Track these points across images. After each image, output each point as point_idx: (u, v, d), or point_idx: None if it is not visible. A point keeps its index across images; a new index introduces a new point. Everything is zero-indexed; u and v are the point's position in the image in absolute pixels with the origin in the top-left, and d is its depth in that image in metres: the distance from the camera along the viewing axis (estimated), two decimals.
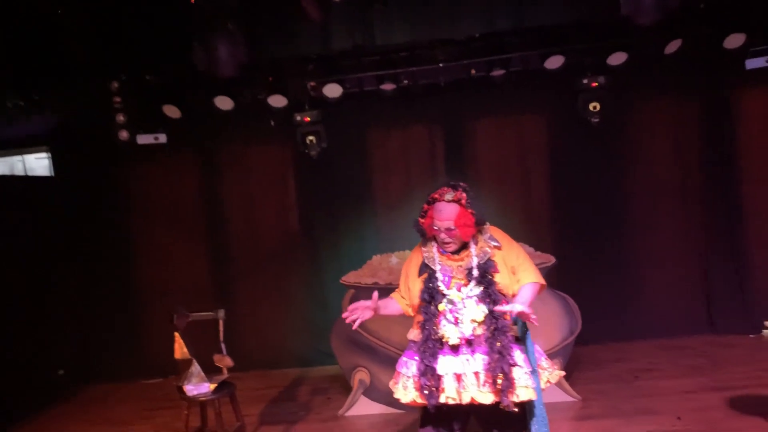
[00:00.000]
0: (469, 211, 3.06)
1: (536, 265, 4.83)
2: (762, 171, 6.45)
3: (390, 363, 4.91)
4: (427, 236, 3.17)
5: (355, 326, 3.11)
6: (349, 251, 6.49)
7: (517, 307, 2.91)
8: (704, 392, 4.98)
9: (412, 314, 3.28)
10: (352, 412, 5.18)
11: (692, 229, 6.56)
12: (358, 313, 3.06)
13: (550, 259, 5.23)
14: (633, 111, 6.48)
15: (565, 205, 6.54)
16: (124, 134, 6.10)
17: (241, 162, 6.79)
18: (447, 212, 3.05)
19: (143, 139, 6.24)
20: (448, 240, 3.09)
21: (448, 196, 3.07)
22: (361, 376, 5.11)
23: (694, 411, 4.62)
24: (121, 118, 6.07)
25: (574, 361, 5.57)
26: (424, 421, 3.26)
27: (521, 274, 3.17)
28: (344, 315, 3.11)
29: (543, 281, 3.20)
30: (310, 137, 6.18)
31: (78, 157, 6.71)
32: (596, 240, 6.50)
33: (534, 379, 3.07)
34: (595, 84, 5.95)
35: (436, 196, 3.10)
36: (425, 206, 3.13)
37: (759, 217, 6.48)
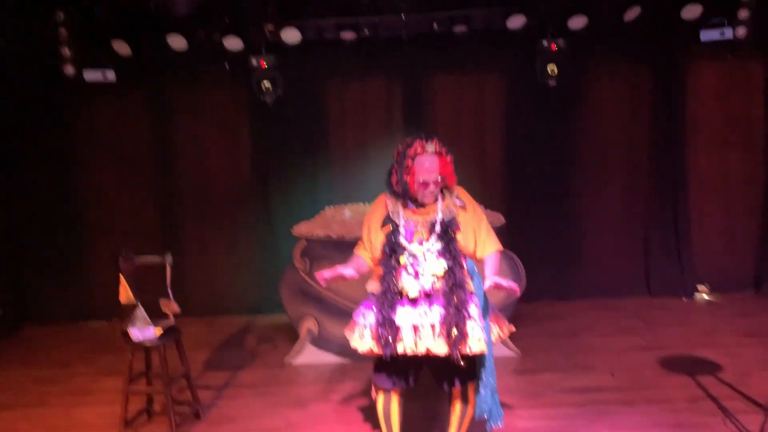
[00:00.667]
0: (449, 158, 3.14)
1: None
2: (708, 142, 6.66)
3: (339, 314, 5.00)
4: (410, 192, 3.14)
5: (324, 284, 3.11)
6: (301, 201, 6.43)
7: (496, 279, 3.02)
8: (637, 351, 5.20)
9: (373, 266, 3.30)
10: (298, 361, 5.24)
11: (637, 195, 6.75)
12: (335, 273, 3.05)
13: (500, 219, 5.31)
14: (589, 76, 6.56)
15: (517, 165, 6.62)
16: (69, 69, 5.83)
17: (193, 105, 6.59)
18: (431, 164, 3.10)
19: (90, 76, 5.96)
20: (430, 191, 3.12)
21: (430, 148, 3.11)
22: (309, 325, 5.15)
23: (626, 368, 4.83)
24: (66, 51, 5.78)
25: (516, 318, 5.72)
26: (378, 368, 3.33)
27: (485, 242, 3.24)
28: (324, 276, 3.04)
29: (501, 247, 3.29)
30: (266, 83, 6.02)
31: (19, 90, 6.37)
32: (544, 201, 6.62)
33: (486, 332, 3.16)
34: (554, 47, 5.97)
35: (419, 150, 3.11)
36: (407, 162, 3.10)
37: (701, 186, 6.72)
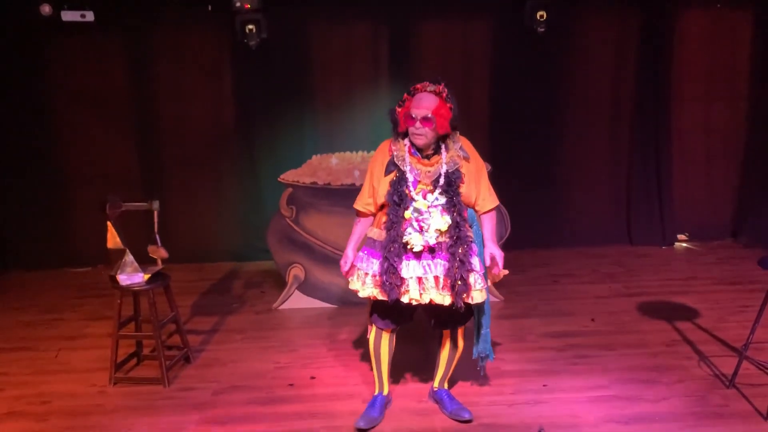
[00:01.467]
0: (448, 104, 3.08)
1: None
2: (692, 92, 6.69)
3: (326, 261, 5.05)
4: (399, 128, 3.15)
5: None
6: (286, 149, 6.38)
7: (495, 252, 3.24)
8: (617, 297, 5.34)
9: (374, 212, 3.32)
10: (285, 306, 5.30)
11: (620, 144, 6.81)
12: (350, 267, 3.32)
13: (488, 167, 5.32)
14: (577, 23, 6.50)
15: (504, 112, 6.59)
16: (46, 9, 5.66)
17: (175, 47, 6.41)
18: (426, 101, 3.07)
19: (68, 16, 5.78)
20: (421, 132, 3.07)
21: (430, 88, 3.10)
22: (296, 272, 5.20)
23: (606, 314, 4.96)
24: None
25: None
26: (374, 310, 3.39)
27: (485, 197, 3.29)
28: (344, 268, 3.33)
29: (498, 202, 3.36)
30: (250, 26, 5.89)
31: None
32: (530, 149, 6.65)
33: (485, 279, 3.23)
34: None
35: (418, 86, 3.11)
36: (405, 96, 3.13)
37: (683, 137, 6.78)
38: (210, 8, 5.98)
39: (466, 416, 3.44)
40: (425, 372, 3.86)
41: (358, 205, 3.38)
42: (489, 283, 3.45)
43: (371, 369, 3.58)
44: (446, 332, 3.45)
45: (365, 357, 4.07)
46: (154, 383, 3.96)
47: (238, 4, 5.81)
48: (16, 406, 3.75)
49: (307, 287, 5.24)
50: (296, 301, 5.29)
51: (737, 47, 6.60)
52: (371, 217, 3.37)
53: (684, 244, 6.86)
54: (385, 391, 3.57)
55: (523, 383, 3.86)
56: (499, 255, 3.26)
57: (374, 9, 6.36)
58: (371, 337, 3.45)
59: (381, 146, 3.32)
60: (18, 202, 6.52)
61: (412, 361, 4.05)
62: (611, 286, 5.62)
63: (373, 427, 3.40)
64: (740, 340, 3.96)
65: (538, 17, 5.96)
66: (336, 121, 6.38)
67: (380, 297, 3.17)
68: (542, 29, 6.02)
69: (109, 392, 3.91)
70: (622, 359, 4.15)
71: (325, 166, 5.29)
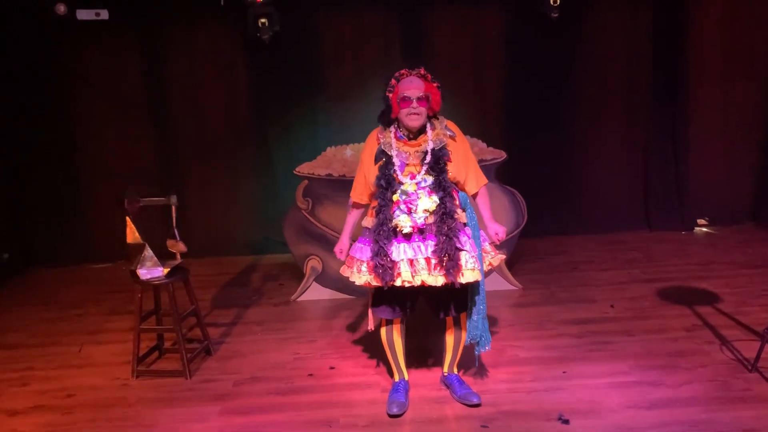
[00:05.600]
0: (435, 84, 3.22)
1: (488, 160, 4.99)
2: (709, 74, 6.61)
3: None
4: (392, 114, 3.21)
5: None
6: (301, 141, 6.39)
7: (497, 230, 3.32)
8: (636, 283, 5.30)
9: (368, 201, 3.39)
10: (303, 298, 5.33)
11: (637, 129, 6.74)
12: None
13: (502, 155, 5.31)
14: (591, 7, 6.43)
15: (518, 99, 6.54)
16: (61, 8, 5.72)
17: (188, 43, 6.44)
18: (416, 83, 3.18)
19: (83, 15, 5.85)
20: (417, 111, 3.16)
21: (415, 72, 3.23)
22: (313, 263, 5.22)
23: (626, 300, 4.93)
24: None
25: (517, 253, 5.81)
26: (375, 301, 3.43)
27: (474, 176, 3.35)
28: (340, 255, 3.52)
29: (486, 180, 3.43)
30: (262, 19, 5.88)
31: (9, 30, 6.22)
32: (545, 136, 6.60)
33: (478, 260, 3.24)
34: None
35: (404, 72, 3.23)
36: (392, 81, 3.22)
37: (700, 121, 6.70)
38: (222, 2, 5.98)
39: (475, 401, 3.46)
40: (438, 358, 3.87)
41: (354, 195, 3.47)
42: (493, 265, 3.46)
43: (387, 360, 3.62)
44: (449, 319, 3.50)
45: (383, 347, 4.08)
46: (176, 376, 4.01)
47: None
48: (41, 400, 3.81)
49: (324, 278, 5.26)
50: (314, 292, 5.32)
51: (754, 27, 6.49)
52: (359, 204, 3.47)
53: (704, 229, 6.79)
54: (406, 377, 3.63)
55: (542, 370, 3.85)
56: (501, 230, 3.33)
57: None
58: (382, 332, 3.51)
59: (369, 136, 3.41)
60: (37, 200, 6.60)
61: (424, 349, 4.06)
62: (630, 272, 5.57)
63: (405, 412, 3.44)
64: (762, 324, 3.92)
65: (552, 2, 5.89)
66: (349, 111, 6.35)
67: (374, 283, 3.22)
68: (556, 14, 5.95)
69: (132, 385, 3.97)
70: (642, 345, 4.12)
71: (339, 158, 5.30)
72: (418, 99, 3.14)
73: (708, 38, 6.52)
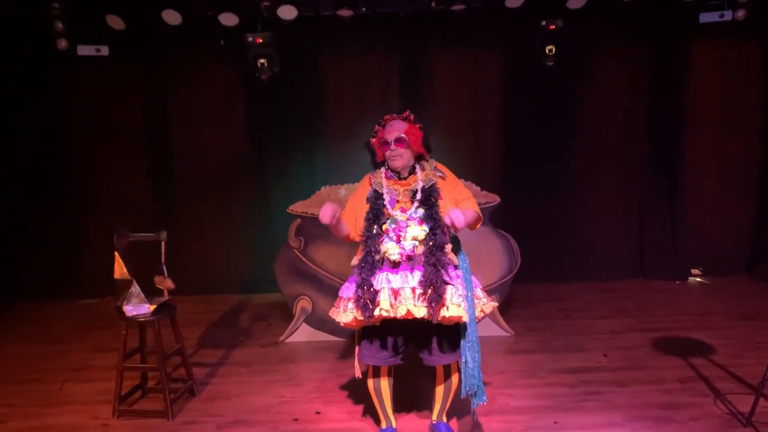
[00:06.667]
0: (417, 125, 3.29)
1: (482, 204, 4.96)
2: (705, 124, 6.66)
3: (333, 293, 4.92)
4: (377, 157, 3.30)
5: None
6: (297, 180, 6.41)
7: (454, 213, 3.02)
8: (630, 332, 5.23)
9: (356, 239, 3.34)
10: (292, 339, 5.25)
11: (633, 177, 6.76)
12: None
13: (495, 199, 5.31)
14: (587, 56, 6.53)
15: (514, 145, 6.60)
16: (63, 43, 5.75)
17: (188, 81, 6.53)
18: (397, 126, 3.27)
19: (84, 50, 5.90)
20: (396, 153, 3.22)
21: (398, 116, 3.33)
22: (303, 304, 5.15)
23: (619, 349, 4.86)
24: (59, 25, 5.71)
25: (510, 298, 5.75)
26: (362, 342, 3.39)
27: (465, 206, 3.32)
28: (322, 214, 3.06)
29: (482, 216, 3.40)
30: (262, 60, 5.96)
31: (11, 64, 6.27)
32: (541, 181, 6.62)
33: (469, 304, 3.18)
34: (552, 26, 5.92)
35: (387, 117, 3.34)
36: (377, 127, 3.33)
37: (696, 170, 6.72)
38: (222, 43, 6.06)
39: None
40: (426, 405, 3.78)
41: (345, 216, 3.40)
42: (485, 312, 3.39)
43: (375, 406, 3.55)
44: (439, 367, 3.44)
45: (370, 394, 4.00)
46: (158, 416, 3.91)
47: (250, 39, 5.89)
48: None
49: (314, 320, 5.19)
50: (303, 333, 5.24)
51: (749, 79, 6.57)
52: (347, 228, 3.33)
53: (698, 279, 6.75)
54: (393, 424, 3.55)
55: (533, 420, 3.76)
56: (456, 215, 3.03)
57: (386, 41, 6.44)
58: (369, 380, 3.46)
59: (362, 180, 3.45)
60: (30, 233, 6.57)
61: (413, 395, 3.97)
62: (624, 321, 5.51)
63: None
64: (757, 377, 3.85)
65: (548, 51, 5.98)
66: (346, 151, 6.39)
67: (358, 317, 3.16)
68: (551, 63, 6.03)
69: (112, 425, 3.87)
70: (635, 396, 4.04)
71: (334, 197, 5.29)
72: (397, 140, 3.22)
73: (704, 88, 6.60)
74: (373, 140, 3.31)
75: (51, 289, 6.56)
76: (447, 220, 3.06)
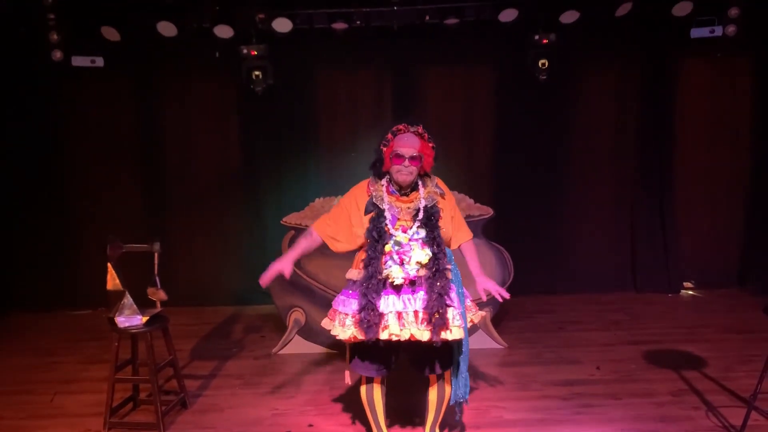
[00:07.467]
0: (430, 144, 3.22)
1: (476, 217, 5.00)
2: (695, 138, 6.73)
3: (326, 305, 4.92)
4: (384, 167, 3.21)
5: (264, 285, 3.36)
6: (290, 192, 6.42)
7: (489, 287, 3.27)
8: (623, 345, 5.24)
9: (350, 248, 3.31)
10: (285, 351, 5.23)
11: (624, 191, 6.80)
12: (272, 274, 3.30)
13: (489, 212, 5.33)
14: (579, 70, 6.59)
15: (507, 158, 6.63)
16: (57, 54, 5.77)
17: (182, 92, 6.54)
18: (411, 141, 3.18)
19: (78, 62, 5.91)
20: (408, 170, 3.16)
21: (413, 129, 3.22)
22: (296, 315, 5.14)
23: (612, 362, 4.87)
24: (54, 36, 5.72)
25: (503, 311, 5.76)
26: (357, 356, 3.36)
27: (459, 230, 3.36)
28: (262, 281, 3.32)
29: (471, 235, 3.44)
30: (256, 72, 5.99)
31: (5, 75, 6.27)
32: (533, 195, 6.65)
33: (463, 318, 3.21)
34: (545, 41, 5.98)
35: (401, 127, 3.23)
36: (389, 135, 3.23)
37: (688, 182, 6.77)
38: (217, 55, 6.08)
39: None
40: (419, 419, 3.76)
41: (319, 229, 3.35)
42: (474, 321, 3.42)
43: (367, 419, 3.53)
44: (433, 376, 3.42)
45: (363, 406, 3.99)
46: (150, 429, 3.89)
47: (244, 51, 5.92)
48: None
49: (307, 332, 5.18)
50: (296, 345, 5.22)
51: (738, 94, 6.65)
52: (319, 239, 3.35)
53: (690, 292, 6.78)
54: None
55: None
56: (492, 287, 3.28)
57: (379, 55, 6.49)
58: (362, 390, 3.43)
59: (359, 185, 3.36)
60: (23, 244, 6.54)
61: (405, 408, 3.96)
62: (616, 334, 5.53)
63: None
64: (748, 389, 3.85)
65: (540, 65, 6.03)
66: (340, 163, 6.42)
67: (360, 336, 3.14)
68: (544, 77, 6.09)
69: None
70: (628, 409, 4.05)
71: (327, 209, 5.28)
72: (411, 158, 3.14)
73: (694, 103, 6.67)
74: (384, 149, 3.21)
75: (43, 301, 6.52)
76: (484, 296, 3.29)
